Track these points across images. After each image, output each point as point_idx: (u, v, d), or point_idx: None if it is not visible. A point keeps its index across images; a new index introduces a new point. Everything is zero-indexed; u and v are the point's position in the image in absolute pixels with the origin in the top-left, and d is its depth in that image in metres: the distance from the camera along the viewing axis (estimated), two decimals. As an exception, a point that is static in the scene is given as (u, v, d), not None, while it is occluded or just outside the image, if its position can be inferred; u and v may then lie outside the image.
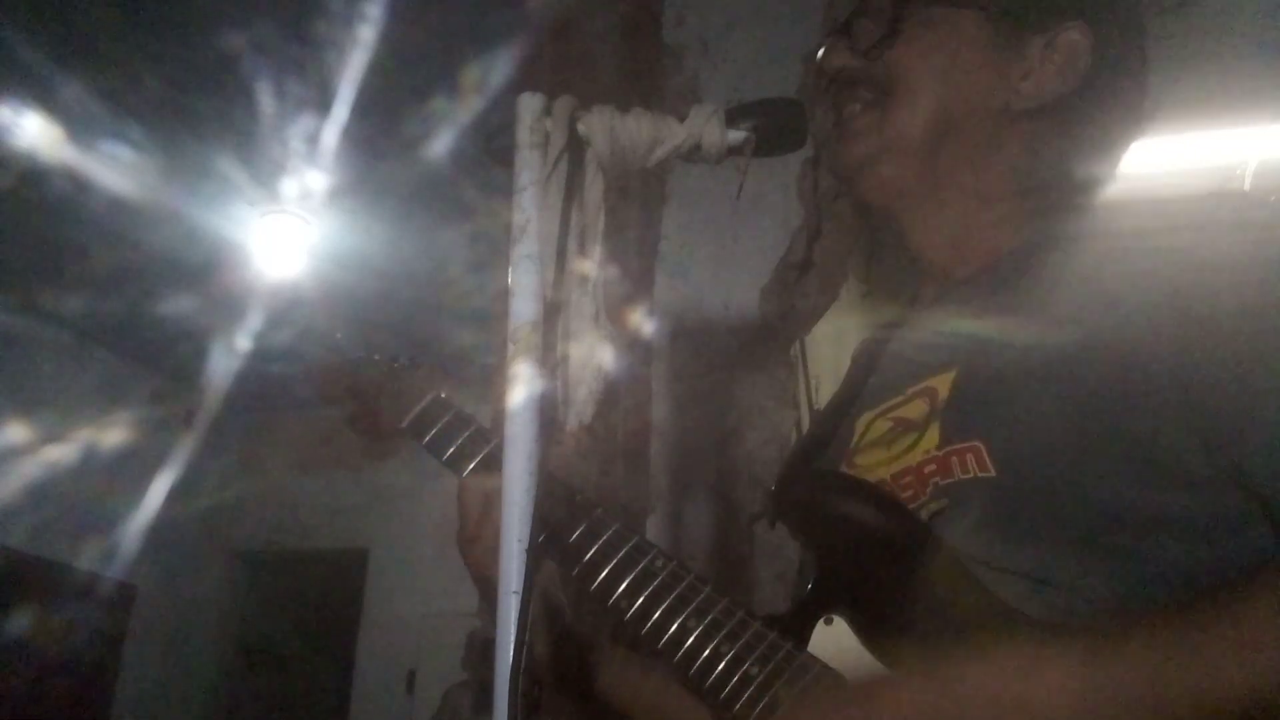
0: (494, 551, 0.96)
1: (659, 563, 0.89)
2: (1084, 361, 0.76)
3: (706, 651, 0.83)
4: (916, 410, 0.87)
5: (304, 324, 4.11)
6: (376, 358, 1.15)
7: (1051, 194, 0.93)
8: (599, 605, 0.91)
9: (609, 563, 0.90)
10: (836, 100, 0.98)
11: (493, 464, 1.03)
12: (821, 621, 0.82)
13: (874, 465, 0.89)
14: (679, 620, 0.85)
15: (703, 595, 0.86)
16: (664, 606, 0.86)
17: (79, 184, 3.58)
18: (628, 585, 0.88)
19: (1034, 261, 0.88)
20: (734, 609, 0.85)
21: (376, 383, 1.14)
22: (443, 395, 1.08)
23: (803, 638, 0.82)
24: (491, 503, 0.97)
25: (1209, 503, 0.72)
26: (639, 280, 1.86)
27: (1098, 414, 0.75)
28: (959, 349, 0.87)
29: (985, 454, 0.79)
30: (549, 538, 0.92)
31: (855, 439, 0.95)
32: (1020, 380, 0.80)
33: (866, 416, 0.95)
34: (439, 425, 1.07)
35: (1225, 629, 0.62)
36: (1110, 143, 0.96)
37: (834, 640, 0.81)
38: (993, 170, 0.94)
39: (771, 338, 1.89)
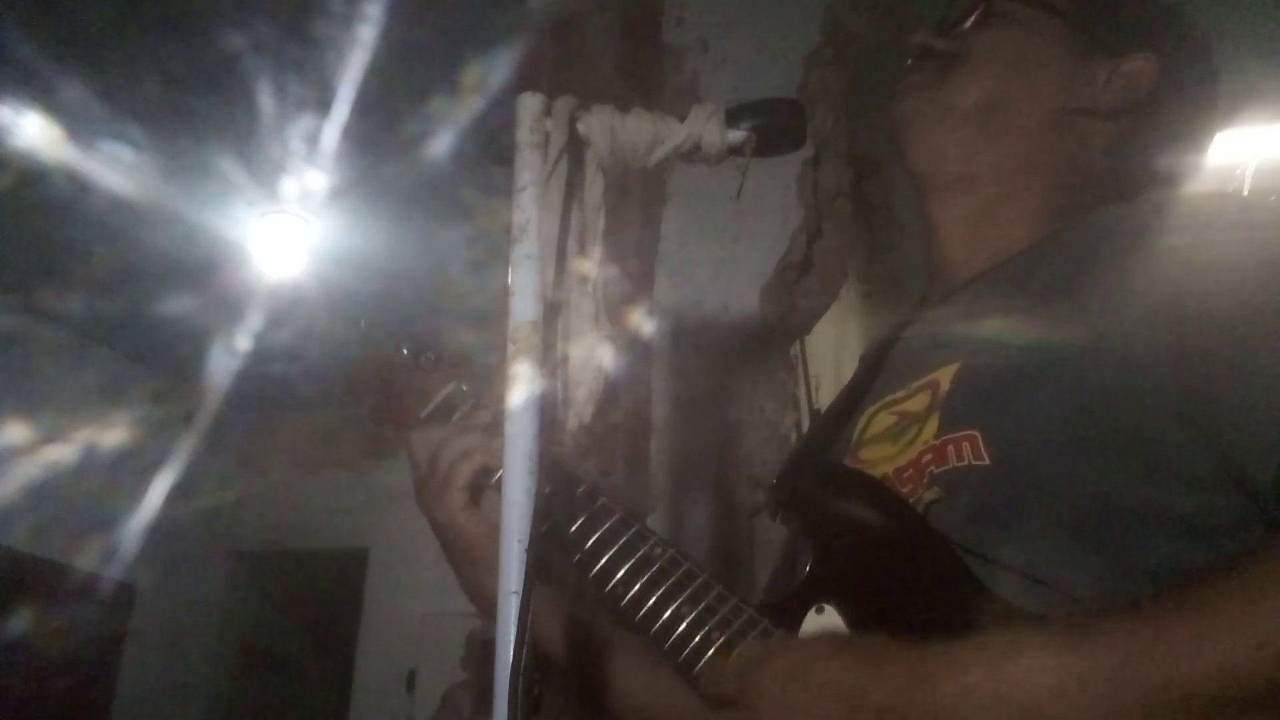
0: (443, 499, 0.99)
1: (658, 550, 0.90)
2: (1086, 359, 0.77)
3: (698, 638, 0.84)
4: (919, 403, 0.88)
5: (304, 324, 4.11)
6: (405, 352, 1.17)
7: (1090, 191, 0.95)
8: (597, 591, 0.92)
9: (609, 550, 0.91)
10: (905, 71, 1.02)
11: (442, 419, 1.07)
12: (813, 610, 0.82)
13: (879, 461, 0.90)
14: (673, 606, 0.86)
15: (698, 582, 0.87)
16: (659, 593, 0.87)
17: (79, 184, 3.57)
18: (626, 571, 0.89)
19: (1042, 260, 0.89)
20: (727, 596, 0.86)
21: (403, 376, 1.15)
22: (464, 388, 1.10)
23: (794, 625, 0.82)
24: (438, 454, 1.00)
25: (1207, 503, 0.72)
26: (639, 280, 1.86)
27: (1098, 410, 0.75)
28: (963, 344, 0.88)
29: (981, 442, 0.79)
30: (552, 529, 0.92)
31: (858, 433, 0.95)
32: (1021, 374, 0.80)
33: (870, 410, 0.95)
34: (455, 415, 1.09)
35: (1198, 611, 0.63)
36: (1171, 149, 0.98)
37: (824, 629, 0.81)
38: (1037, 160, 0.96)
39: (771, 338, 1.89)
